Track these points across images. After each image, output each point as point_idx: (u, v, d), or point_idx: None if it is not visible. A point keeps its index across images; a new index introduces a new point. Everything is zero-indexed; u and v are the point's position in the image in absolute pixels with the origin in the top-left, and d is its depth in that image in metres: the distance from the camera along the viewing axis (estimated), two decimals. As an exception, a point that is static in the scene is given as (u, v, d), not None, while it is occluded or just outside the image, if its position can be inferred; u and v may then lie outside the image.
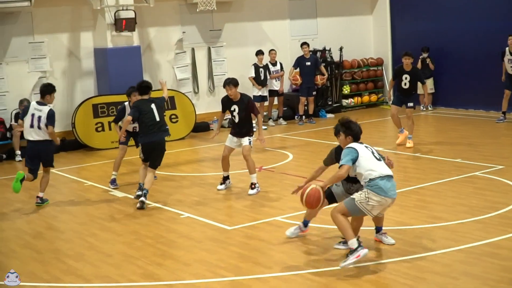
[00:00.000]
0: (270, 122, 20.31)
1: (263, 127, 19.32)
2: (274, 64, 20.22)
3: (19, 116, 13.45)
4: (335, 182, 8.98)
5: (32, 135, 12.05)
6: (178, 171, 14.63)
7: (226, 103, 12.68)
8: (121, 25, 18.16)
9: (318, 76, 20.39)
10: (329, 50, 22.14)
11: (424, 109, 21.05)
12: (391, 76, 17.37)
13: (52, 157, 12.46)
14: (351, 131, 8.93)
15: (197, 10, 19.47)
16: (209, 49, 20.66)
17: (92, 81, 18.75)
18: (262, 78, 19.69)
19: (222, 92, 20.35)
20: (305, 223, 9.88)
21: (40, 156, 12.20)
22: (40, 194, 12.38)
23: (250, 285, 8.25)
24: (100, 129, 18.00)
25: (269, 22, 21.60)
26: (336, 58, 22.25)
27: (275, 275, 8.54)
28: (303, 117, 20.37)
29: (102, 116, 18.06)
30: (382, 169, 8.56)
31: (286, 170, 14.20)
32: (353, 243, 8.42)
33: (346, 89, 22.52)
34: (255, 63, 19.74)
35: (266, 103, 20.19)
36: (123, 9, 18.23)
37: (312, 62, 20.16)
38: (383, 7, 23.10)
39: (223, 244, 9.80)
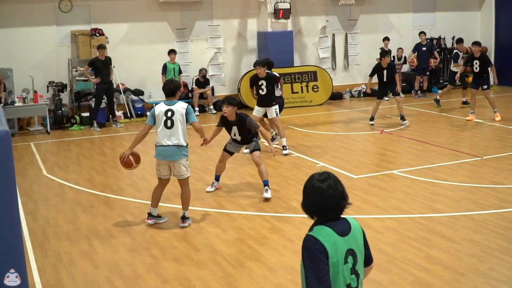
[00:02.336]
0: (391, 95, 19.68)
1: (385, 98, 19.03)
2: (399, 59, 19.72)
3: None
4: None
5: None
6: (316, 130, 14.62)
7: (255, 79, 12.21)
8: (279, 14, 18.13)
9: (432, 59, 19.72)
10: (444, 39, 21.30)
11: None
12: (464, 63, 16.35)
13: None
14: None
15: (339, 4, 19.20)
16: (346, 35, 20.28)
17: (254, 57, 18.74)
18: (387, 59, 19.18)
19: (355, 69, 20.60)
20: (217, 178, 9.82)
21: None
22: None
23: (370, 222, 8.19)
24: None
25: (396, 14, 20.94)
26: (449, 45, 21.34)
27: (390, 217, 8.44)
28: (419, 92, 19.76)
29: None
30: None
31: (403, 134, 13.89)
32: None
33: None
34: (381, 47, 19.25)
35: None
36: (281, 1, 18.14)
37: (427, 48, 19.47)
38: (489, 3, 21.91)
39: (349, 189, 9.74)
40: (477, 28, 22.46)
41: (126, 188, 10.28)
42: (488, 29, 22.15)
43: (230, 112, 9.24)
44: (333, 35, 20.09)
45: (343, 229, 3.63)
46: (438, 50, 20.46)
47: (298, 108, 17.94)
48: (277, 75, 12.74)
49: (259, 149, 9.50)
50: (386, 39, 19.40)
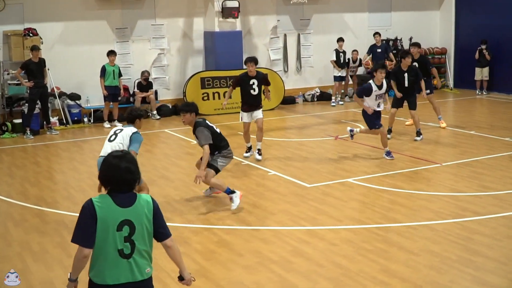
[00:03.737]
0: (347, 99, 20.06)
1: (340, 102, 19.29)
2: (354, 62, 19.97)
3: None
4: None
5: None
6: (268, 136, 14.63)
7: (244, 78, 12.12)
8: (227, 12, 18.16)
9: (387, 61, 19.82)
10: (400, 40, 21.70)
11: (480, 94, 20.52)
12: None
13: None
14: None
15: (291, 2, 19.33)
16: (298, 35, 20.45)
17: (201, 58, 18.80)
18: (342, 61, 19.41)
19: (308, 72, 20.75)
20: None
21: None
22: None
23: (324, 234, 8.24)
24: (206, 98, 18.11)
25: (351, 14, 21.24)
26: (406, 46, 21.58)
27: (345, 227, 8.51)
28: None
29: (208, 87, 18.17)
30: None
31: (358, 140, 13.98)
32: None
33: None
34: (336, 49, 19.47)
35: (343, 83, 19.90)
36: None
37: (382, 50, 19.78)
38: (449, 3, 22.37)
39: (303, 199, 9.81)
40: (436, 28, 22.95)
41: (61, 201, 10.10)
42: (447, 30, 22.62)
43: (189, 120, 9.19)
44: (285, 35, 20.22)
45: (125, 202, 4.40)
46: (394, 51, 20.76)
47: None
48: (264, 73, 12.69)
49: (214, 169, 9.38)
50: (340, 40, 19.60)
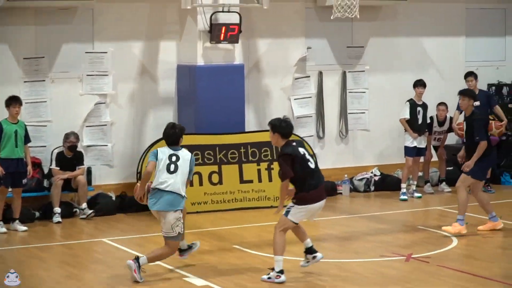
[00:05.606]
0: (427, 188, 20.01)
1: (417, 194, 19.28)
2: (442, 123, 19.96)
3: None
4: None
5: None
6: (288, 253, 14.19)
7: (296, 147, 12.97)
8: (219, 33, 18.12)
9: (493, 122, 19.60)
10: (520, 84, 21.95)
11: None
12: None
13: None
14: None
15: (331, 17, 18.84)
16: (344, 73, 20.63)
17: (172, 111, 18.89)
18: (420, 121, 19.28)
19: (360, 139, 20.82)
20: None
21: None
22: None
23: None
24: (180, 183, 17.93)
25: (435, 38, 21.51)
26: (532, 96, 21.83)
27: None
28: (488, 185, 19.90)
29: (183, 164, 18.03)
30: None
31: (445, 261, 13.70)
32: None
33: (543, 143, 22.07)
34: (411, 99, 19.37)
35: (423, 159, 19.85)
36: (223, 11, 18.22)
37: (482, 102, 19.38)
38: None
39: None
40: None
41: None
42: None
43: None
44: (320, 73, 20.41)
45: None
46: (510, 103, 21.08)
47: (252, 212, 18.03)
48: None
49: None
50: (419, 84, 19.52)
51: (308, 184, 12.28)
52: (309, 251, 12.85)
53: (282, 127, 12.50)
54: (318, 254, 12.82)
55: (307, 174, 12.36)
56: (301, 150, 12.46)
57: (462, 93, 16.11)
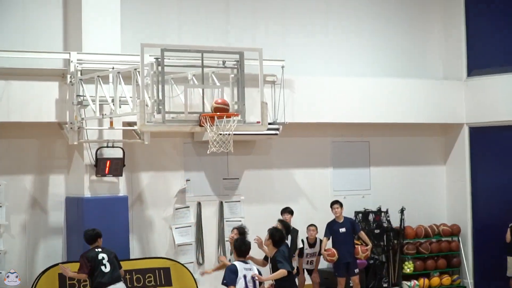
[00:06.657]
0: None
1: None
2: (312, 245, 20.23)
3: None
4: None
5: None
6: None
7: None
8: (104, 167, 18.37)
9: (360, 247, 20.24)
10: (386, 212, 22.35)
11: None
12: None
13: None
14: None
15: (208, 152, 18.39)
16: (221, 204, 21.02)
17: (61, 241, 19.02)
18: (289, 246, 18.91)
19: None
20: None
21: None
22: None
23: None
24: (70, 306, 17.92)
25: (305, 170, 22.07)
26: (395, 223, 22.37)
27: None
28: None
29: (71, 290, 18.02)
30: None
31: None
32: None
33: (409, 267, 22.54)
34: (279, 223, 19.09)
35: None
36: (108, 146, 18.43)
37: (347, 228, 20.03)
38: (461, 155, 23.28)
39: None
40: (442, 193, 23.91)
41: None
42: (460, 196, 23.50)
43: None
44: (199, 204, 20.75)
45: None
46: (377, 231, 21.75)
47: None
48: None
49: None
50: (286, 211, 19.84)
51: None
52: None
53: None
54: None
55: None
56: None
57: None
